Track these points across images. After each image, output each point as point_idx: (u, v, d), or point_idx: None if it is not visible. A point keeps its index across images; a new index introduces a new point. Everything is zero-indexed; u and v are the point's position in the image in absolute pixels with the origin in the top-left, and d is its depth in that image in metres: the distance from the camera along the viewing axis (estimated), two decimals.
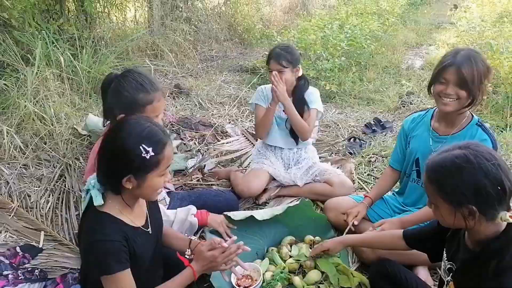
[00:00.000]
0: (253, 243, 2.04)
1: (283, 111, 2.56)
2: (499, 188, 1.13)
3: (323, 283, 1.83)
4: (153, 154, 1.27)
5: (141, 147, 1.26)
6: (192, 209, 2.06)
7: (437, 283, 1.98)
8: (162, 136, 1.32)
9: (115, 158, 1.29)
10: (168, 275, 1.51)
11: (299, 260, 1.95)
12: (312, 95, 2.58)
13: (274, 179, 2.62)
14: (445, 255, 1.40)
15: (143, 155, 1.26)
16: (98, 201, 1.32)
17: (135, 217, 1.43)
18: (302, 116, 2.52)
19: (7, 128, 2.84)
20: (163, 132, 1.33)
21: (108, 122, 1.82)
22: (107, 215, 1.34)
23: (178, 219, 1.99)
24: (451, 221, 1.23)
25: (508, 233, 1.19)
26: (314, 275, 1.85)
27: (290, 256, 2.00)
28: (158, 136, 1.31)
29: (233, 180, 2.63)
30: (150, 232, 1.48)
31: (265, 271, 1.88)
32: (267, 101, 2.57)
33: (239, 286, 1.77)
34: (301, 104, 2.54)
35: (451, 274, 1.34)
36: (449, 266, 1.35)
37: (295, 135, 2.60)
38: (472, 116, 1.93)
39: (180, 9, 5.94)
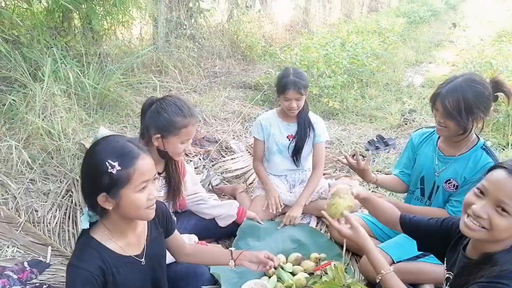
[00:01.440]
0: None
1: (287, 137, 2.59)
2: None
3: None
4: (119, 168, 1.22)
5: (106, 162, 1.22)
6: (194, 238, 2.10)
7: None
8: (132, 150, 1.26)
9: (86, 176, 1.28)
10: None
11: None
12: (319, 125, 2.60)
13: None
14: (444, 265, 1.42)
15: (109, 170, 1.22)
16: (84, 224, 1.31)
17: (128, 245, 1.38)
18: (308, 137, 2.57)
19: (15, 143, 2.87)
20: (137, 147, 1.28)
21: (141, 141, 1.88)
22: (92, 241, 1.31)
23: None
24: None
25: None
26: None
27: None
28: (126, 150, 1.25)
29: (240, 204, 2.64)
30: (143, 263, 1.42)
31: (274, 287, 1.88)
32: (263, 132, 2.61)
33: None
34: (306, 126, 2.57)
35: (448, 283, 1.36)
36: (447, 275, 1.38)
37: (297, 160, 2.63)
38: (478, 139, 1.93)
39: (184, 27, 6.04)
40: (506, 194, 1.12)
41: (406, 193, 2.26)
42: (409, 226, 1.57)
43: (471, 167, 1.89)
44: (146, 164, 1.27)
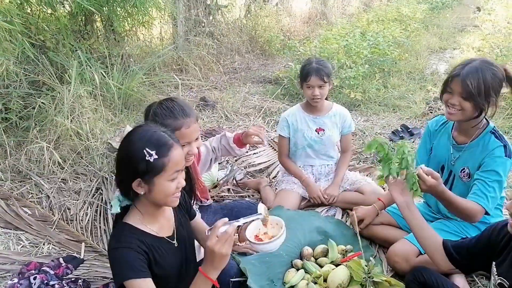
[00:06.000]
0: (287, 251, 2.06)
1: (316, 130, 2.60)
2: None
3: None
4: (156, 157, 1.30)
5: (144, 150, 1.29)
6: None
7: None
8: (168, 140, 1.34)
9: (122, 163, 1.35)
10: None
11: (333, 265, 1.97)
12: (347, 118, 2.64)
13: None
14: (494, 269, 1.39)
15: (147, 158, 1.29)
16: (114, 209, 1.38)
17: (159, 228, 1.45)
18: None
19: (46, 144, 2.98)
20: (171, 138, 1.36)
21: None
22: (126, 225, 1.38)
23: None
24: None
25: None
26: None
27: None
28: (162, 140, 1.33)
29: (264, 198, 2.67)
30: (175, 245, 1.48)
31: (301, 280, 1.90)
32: (289, 128, 2.61)
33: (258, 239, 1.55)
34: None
35: None
36: (499, 281, 1.35)
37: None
38: (488, 123, 1.91)
39: (203, 24, 6.08)
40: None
41: None
42: (453, 255, 1.56)
43: (482, 152, 1.87)
44: (178, 154, 1.36)
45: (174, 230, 1.51)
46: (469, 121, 1.86)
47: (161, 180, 1.33)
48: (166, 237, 1.46)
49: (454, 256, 1.55)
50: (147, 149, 1.29)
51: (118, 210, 1.39)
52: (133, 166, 1.31)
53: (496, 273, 1.37)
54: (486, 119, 1.91)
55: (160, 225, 1.46)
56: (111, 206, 1.44)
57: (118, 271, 1.30)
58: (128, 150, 1.33)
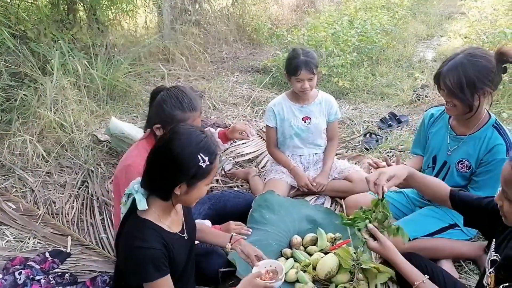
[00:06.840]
0: (276, 240, 2.05)
1: (302, 119, 2.58)
2: None
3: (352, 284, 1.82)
4: (208, 163, 1.35)
5: (199, 156, 1.34)
6: (207, 224, 2.08)
7: (461, 275, 1.99)
8: (216, 148, 1.41)
9: (172, 165, 1.34)
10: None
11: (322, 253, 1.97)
12: (333, 105, 2.63)
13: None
14: (493, 245, 1.38)
15: (200, 163, 1.34)
16: (142, 205, 1.37)
17: (172, 223, 1.49)
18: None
19: (29, 137, 2.92)
20: (214, 144, 1.42)
21: (148, 130, 1.89)
22: (147, 222, 1.39)
23: None
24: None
25: None
26: (342, 277, 1.84)
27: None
28: (212, 147, 1.39)
29: (253, 188, 2.67)
30: (186, 238, 1.54)
31: (290, 268, 1.90)
32: (275, 118, 2.60)
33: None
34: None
35: (494, 266, 1.33)
36: (494, 257, 1.35)
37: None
38: (490, 116, 1.88)
39: (189, 13, 5.98)
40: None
41: None
42: (458, 203, 1.56)
43: (484, 148, 1.86)
44: (219, 162, 1.45)
45: (183, 224, 1.56)
46: (466, 114, 1.83)
47: (202, 185, 1.40)
48: (178, 232, 1.51)
49: (459, 206, 1.56)
50: (202, 155, 1.34)
51: (146, 206, 1.38)
52: (184, 168, 1.34)
53: (493, 249, 1.38)
54: (487, 111, 1.88)
55: (171, 220, 1.49)
56: (125, 201, 1.43)
57: (143, 270, 1.33)
58: (181, 152, 1.34)
